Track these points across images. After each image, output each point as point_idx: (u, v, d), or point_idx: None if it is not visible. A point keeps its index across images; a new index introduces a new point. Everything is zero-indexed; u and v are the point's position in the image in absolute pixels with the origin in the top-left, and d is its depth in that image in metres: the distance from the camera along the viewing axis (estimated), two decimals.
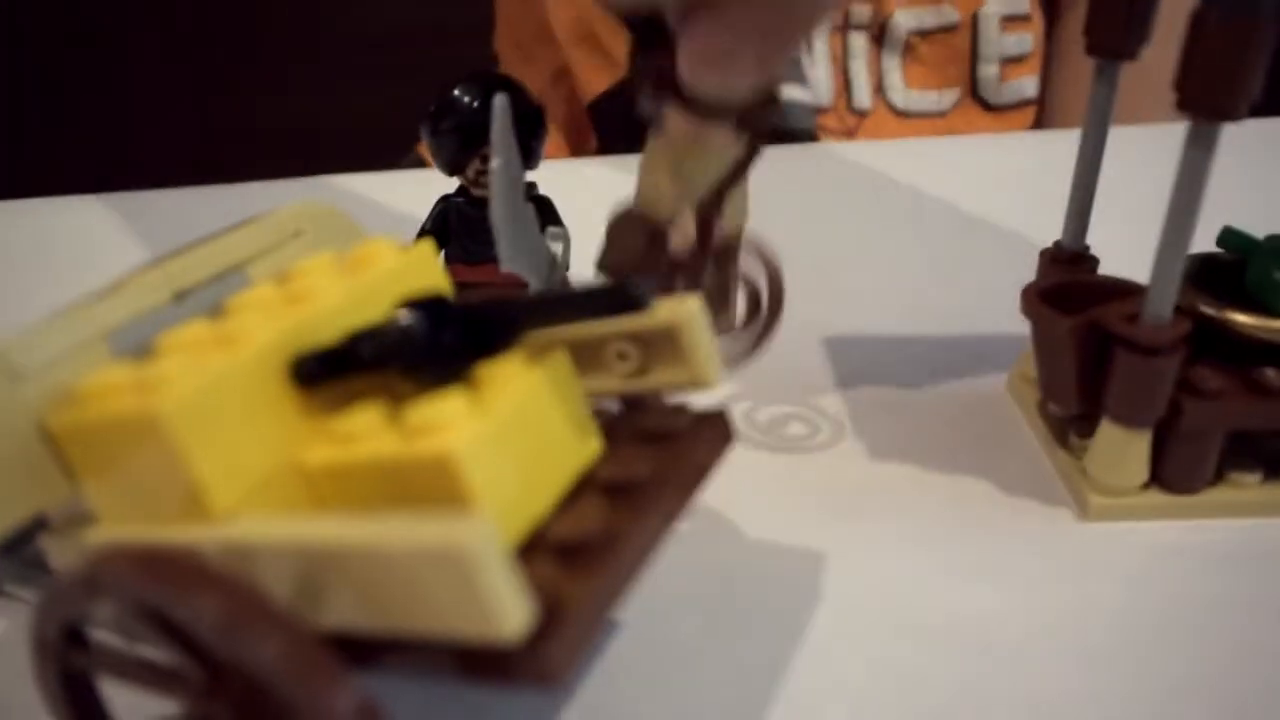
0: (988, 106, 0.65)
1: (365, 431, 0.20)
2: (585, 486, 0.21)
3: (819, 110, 0.63)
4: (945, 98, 0.64)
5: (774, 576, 0.28)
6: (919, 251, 0.46)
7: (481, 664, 0.17)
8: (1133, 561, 0.27)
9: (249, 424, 0.19)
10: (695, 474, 0.21)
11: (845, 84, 0.62)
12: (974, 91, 0.65)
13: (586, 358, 0.23)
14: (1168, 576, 0.27)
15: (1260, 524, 0.29)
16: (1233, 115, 0.24)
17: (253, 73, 0.72)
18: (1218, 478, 0.29)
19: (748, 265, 0.32)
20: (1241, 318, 0.28)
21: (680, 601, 0.27)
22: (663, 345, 0.22)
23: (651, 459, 0.21)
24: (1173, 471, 0.29)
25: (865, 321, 0.39)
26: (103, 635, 0.23)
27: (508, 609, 0.16)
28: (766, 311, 0.32)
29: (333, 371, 0.20)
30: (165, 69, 0.76)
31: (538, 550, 0.19)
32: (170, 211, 0.52)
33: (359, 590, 0.17)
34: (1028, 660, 0.24)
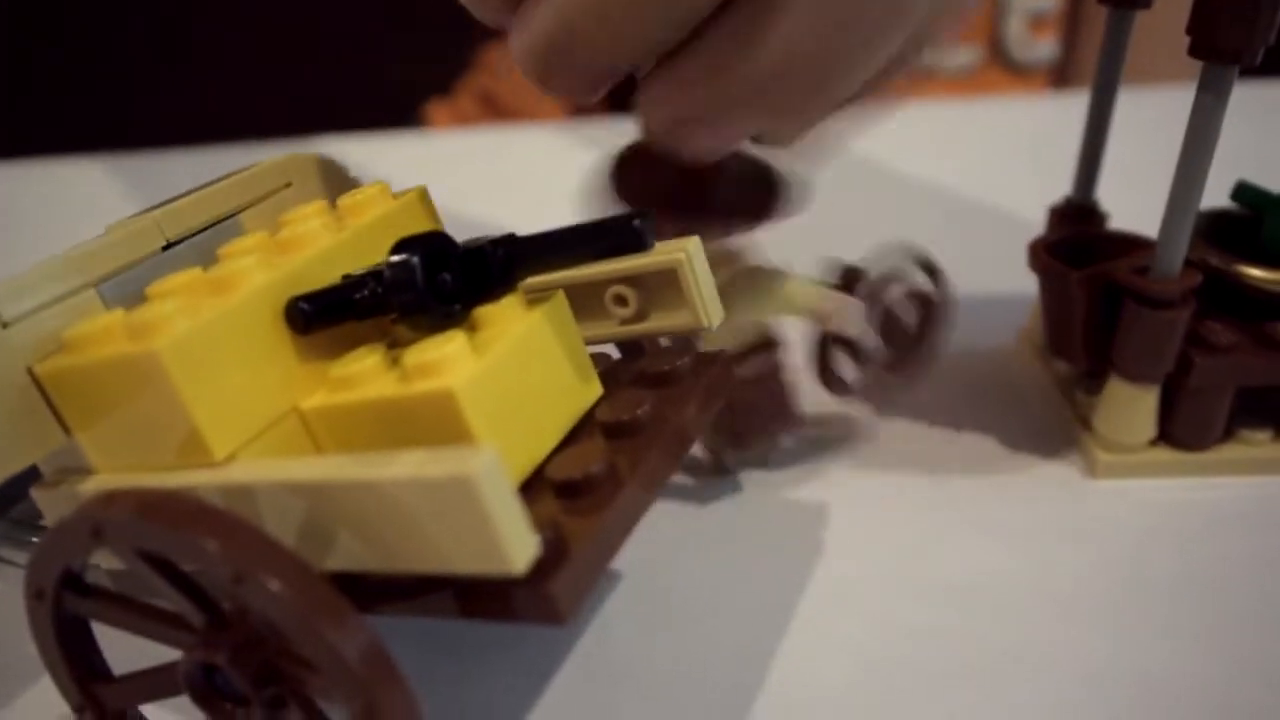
0: (1011, 65, 0.64)
1: (364, 375, 0.19)
2: (586, 427, 0.21)
3: None
4: (967, 54, 0.63)
5: (778, 530, 0.28)
6: (931, 211, 0.46)
7: (486, 602, 0.17)
8: (1141, 519, 0.27)
9: (246, 368, 0.19)
10: (696, 413, 0.21)
11: None
12: (997, 48, 0.63)
13: (585, 304, 0.23)
14: (1176, 534, 0.27)
15: (1270, 482, 0.28)
16: (1245, 59, 0.23)
17: (255, 35, 0.72)
18: (1227, 435, 0.29)
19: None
20: (1255, 272, 0.28)
21: (682, 554, 0.27)
22: (661, 288, 0.22)
23: (652, 400, 0.21)
24: (1182, 428, 0.28)
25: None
26: (100, 582, 0.23)
27: (514, 541, 0.16)
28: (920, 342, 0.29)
29: (329, 316, 0.20)
30: (166, 32, 0.75)
31: (539, 489, 0.19)
32: (176, 173, 0.52)
33: (363, 529, 0.17)
34: (1033, 617, 0.24)
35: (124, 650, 0.21)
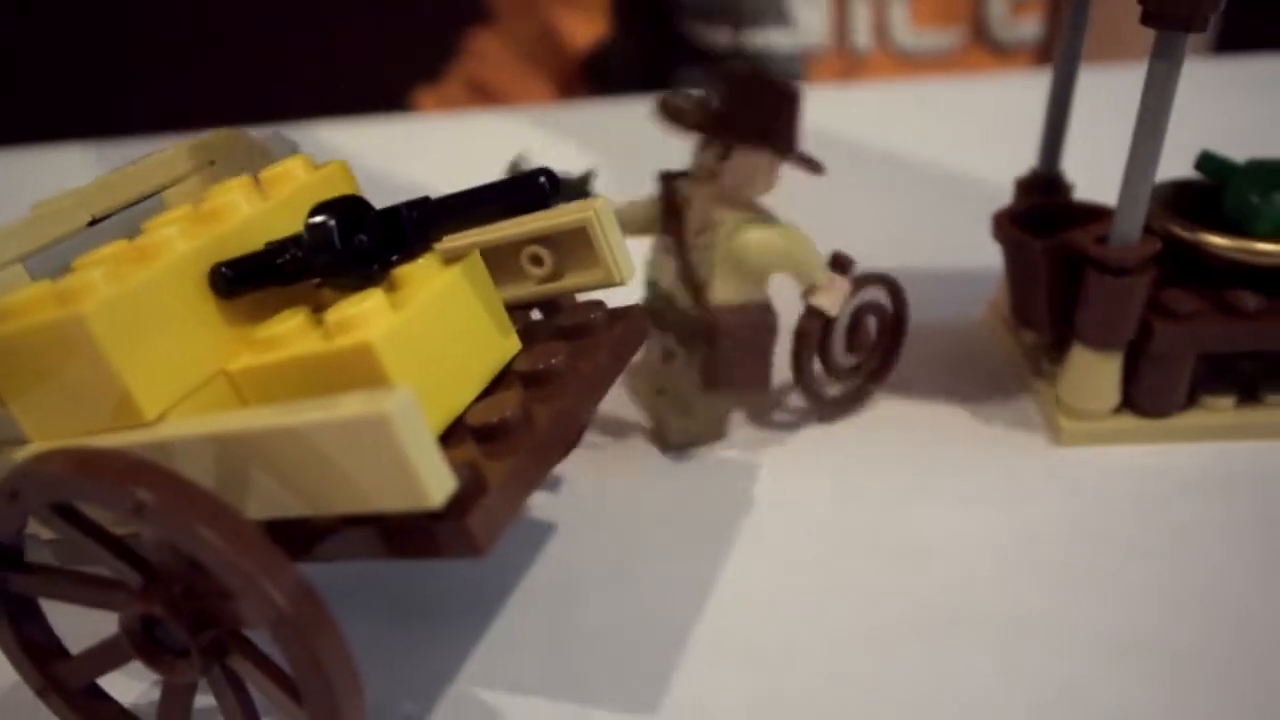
0: (994, 45, 0.64)
1: (287, 335, 0.20)
2: (504, 379, 0.22)
3: (809, 54, 0.62)
4: (951, 36, 0.63)
5: (744, 494, 0.28)
6: (905, 187, 0.46)
7: (408, 539, 0.18)
8: (1103, 484, 0.28)
9: (172, 331, 0.20)
10: (609, 362, 0.22)
11: (842, 23, 0.60)
12: (980, 29, 0.64)
13: (503, 266, 0.24)
14: (1137, 499, 0.27)
15: (1233, 447, 0.29)
16: (1195, 25, 0.24)
17: (242, 22, 0.72)
18: (1191, 402, 0.29)
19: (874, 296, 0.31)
20: (1216, 239, 0.28)
21: (646, 519, 0.28)
22: (573, 246, 0.23)
23: (566, 351, 0.22)
24: (1144, 395, 0.29)
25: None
26: (40, 556, 0.23)
27: (431, 476, 0.17)
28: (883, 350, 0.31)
29: (251, 280, 0.21)
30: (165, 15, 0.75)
31: (460, 435, 0.20)
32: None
33: (290, 476, 0.18)
34: (993, 578, 0.25)
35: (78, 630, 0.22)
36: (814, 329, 0.29)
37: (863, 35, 0.62)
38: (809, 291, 0.29)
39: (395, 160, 0.51)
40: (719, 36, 0.62)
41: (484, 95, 0.68)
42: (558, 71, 0.68)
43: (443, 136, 0.56)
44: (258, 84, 0.71)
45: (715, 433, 0.31)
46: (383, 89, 0.70)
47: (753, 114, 0.26)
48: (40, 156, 0.57)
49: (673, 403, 0.30)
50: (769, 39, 0.61)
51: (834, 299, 0.29)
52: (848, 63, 0.63)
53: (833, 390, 0.31)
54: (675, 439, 0.30)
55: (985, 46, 0.65)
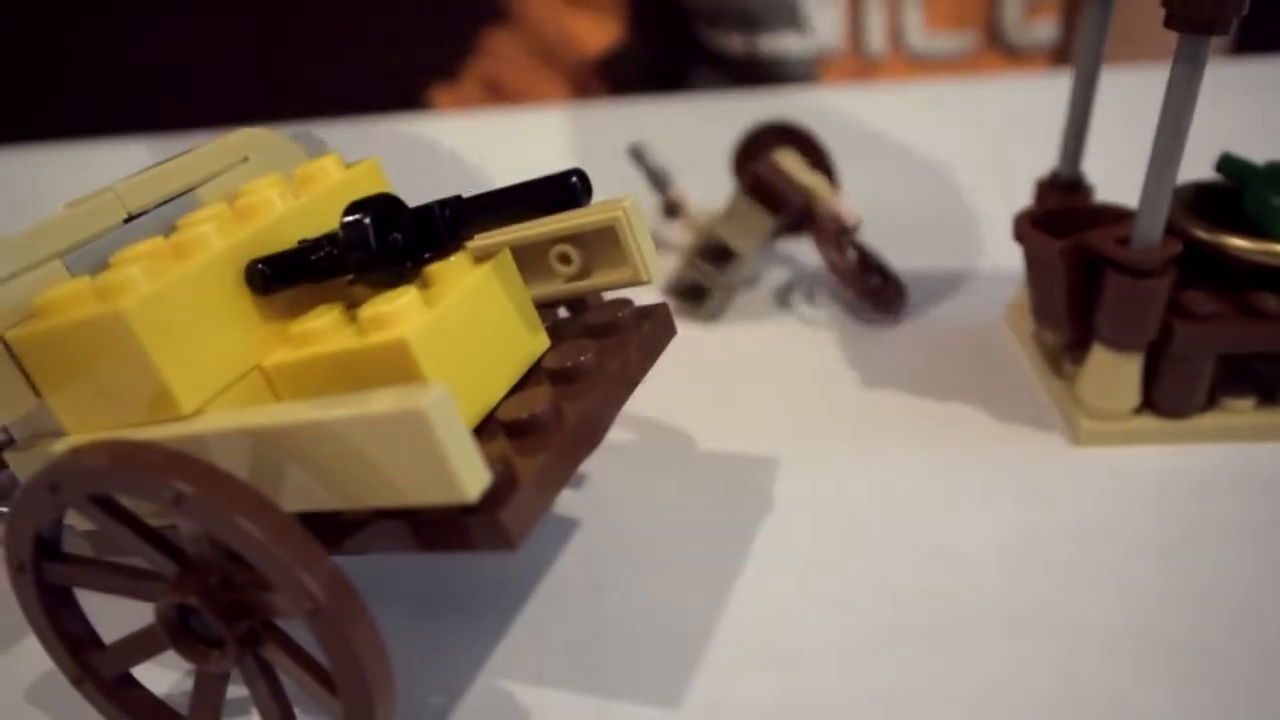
0: (1009, 49, 0.64)
1: (322, 331, 0.21)
2: (533, 375, 0.22)
3: (823, 58, 0.62)
4: (965, 39, 0.63)
5: (765, 493, 0.29)
6: (921, 188, 0.47)
7: (441, 533, 0.19)
8: (1123, 485, 0.28)
9: (209, 327, 0.20)
10: (637, 360, 0.22)
11: (856, 27, 0.61)
12: (994, 33, 0.63)
13: (532, 264, 0.24)
14: (1156, 499, 0.27)
15: (1253, 449, 0.29)
16: (1218, 28, 0.24)
17: (261, 18, 0.73)
18: (1210, 403, 0.29)
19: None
20: (1238, 241, 0.28)
21: (671, 514, 0.28)
22: (602, 245, 0.23)
23: (596, 349, 0.22)
24: (1164, 396, 0.29)
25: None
26: (76, 547, 0.24)
27: (467, 470, 0.17)
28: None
29: (287, 276, 0.21)
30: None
31: (492, 431, 0.20)
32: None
33: (325, 470, 0.18)
34: (1012, 578, 0.25)
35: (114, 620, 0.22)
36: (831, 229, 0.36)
37: (877, 39, 0.62)
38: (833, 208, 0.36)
39: (411, 158, 0.51)
40: (732, 42, 0.62)
41: (500, 94, 0.69)
42: (573, 73, 0.68)
43: (460, 135, 0.56)
44: (272, 82, 0.72)
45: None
46: (399, 87, 0.70)
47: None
48: (75, 153, 0.58)
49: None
50: (783, 44, 0.61)
51: (848, 211, 0.36)
52: (861, 66, 0.63)
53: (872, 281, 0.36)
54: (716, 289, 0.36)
55: (1000, 50, 0.65)
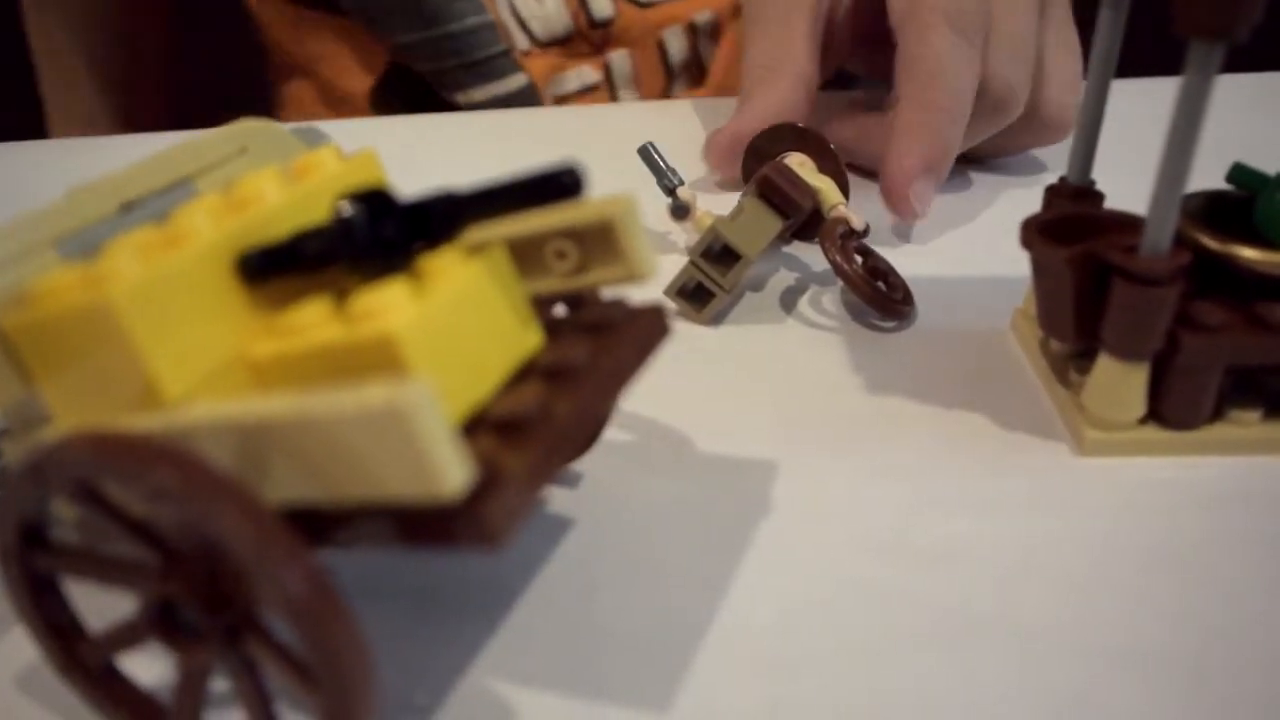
0: None
1: (310, 322, 0.20)
2: (526, 373, 0.22)
3: (562, 40, 0.61)
4: None
5: (763, 496, 0.28)
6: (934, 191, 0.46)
7: (424, 529, 0.18)
8: (1126, 495, 0.28)
9: (198, 316, 0.20)
10: (629, 359, 0.22)
11: (581, 3, 0.60)
12: None
13: (528, 258, 0.24)
14: (1160, 510, 0.27)
15: (1259, 462, 0.29)
16: (1233, 35, 0.23)
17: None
18: (1217, 415, 0.29)
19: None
20: (1247, 252, 0.28)
21: (663, 519, 0.28)
22: (599, 241, 0.23)
23: (588, 347, 0.22)
24: (1171, 407, 0.29)
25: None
26: (64, 536, 0.23)
27: (447, 466, 0.17)
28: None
29: (278, 266, 0.21)
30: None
31: (479, 428, 0.20)
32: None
33: (305, 463, 0.18)
34: (1009, 586, 0.25)
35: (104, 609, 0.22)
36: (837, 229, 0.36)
37: (604, 4, 0.61)
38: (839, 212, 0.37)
39: (414, 153, 0.51)
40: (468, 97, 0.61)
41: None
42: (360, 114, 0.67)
43: (466, 132, 0.56)
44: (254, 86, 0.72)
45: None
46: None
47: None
48: (81, 145, 0.58)
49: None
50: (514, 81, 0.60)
51: (853, 216, 0.37)
52: (600, 34, 0.61)
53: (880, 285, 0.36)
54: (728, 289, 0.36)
55: None
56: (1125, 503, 0.27)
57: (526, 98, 0.61)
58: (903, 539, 0.27)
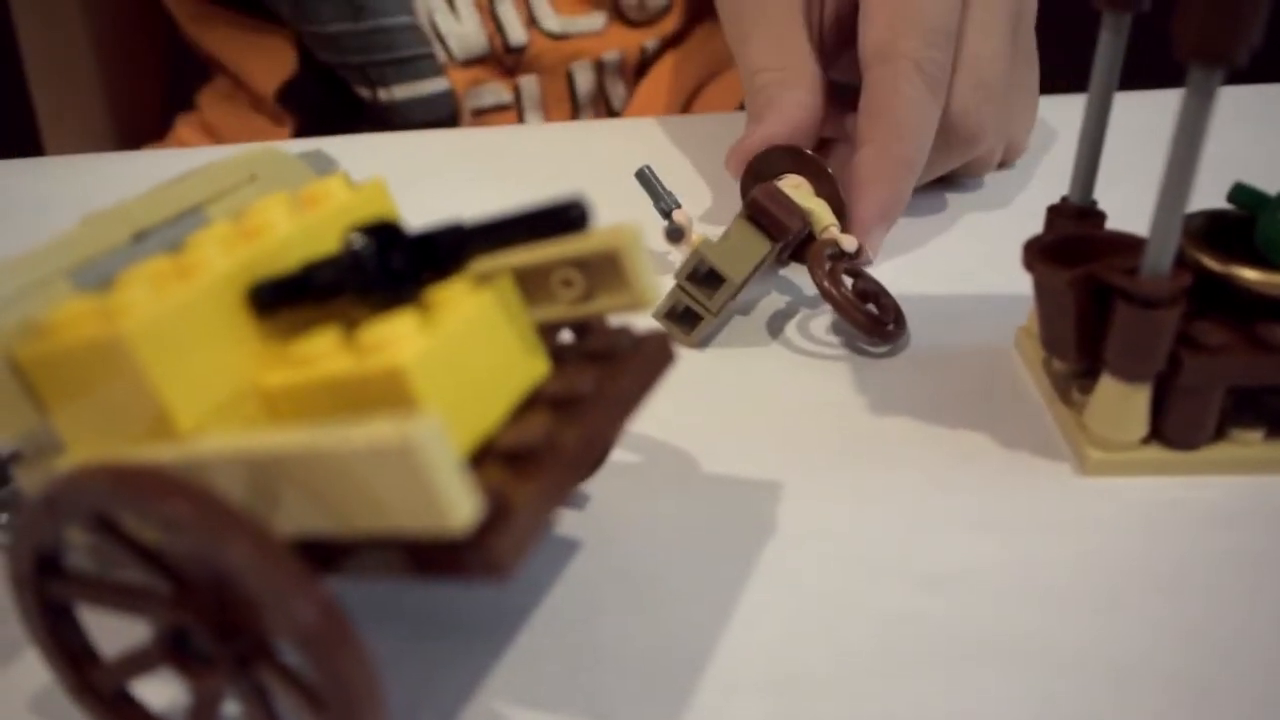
0: (630, 22, 0.64)
1: (320, 354, 0.21)
2: (533, 401, 0.22)
3: (478, 60, 0.62)
4: (595, 19, 0.63)
5: (767, 517, 0.28)
6: (933, 208, 0.46)
7: (434, 560, 0.19)
8: (1128, 516, 0.28)
9: (210, 348, 0.20)
10: (635, 387, 0.22)
11: (497, 28, 0.61)
12: (617, 11, 0.64)
13: (534, 287, 0.24)
14: (1162, 531, 0.27)
15: (1262, 481, 0.29)
16: (1232, 60, 0.23)
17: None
18: (1219, 435, 0.29)
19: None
20: (1248, 273, 0.28)
21: (664, 540, 0.28)
22: (604, 270, 0.23)
23: (594, 376, 0.22)
24: (1173, 427, 0.29)
25: (875, 277, 0.39)
26: (79, 564, 0.24)
27: (456, 500, 0.17)
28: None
29: (289, 297, 0.21)
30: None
31: (487, 459, 0.20)
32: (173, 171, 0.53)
33: (315, 495, 0.18)
34: (1011, 608, 0.25)
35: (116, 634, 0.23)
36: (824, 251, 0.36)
37: (518, 32, 0.63)
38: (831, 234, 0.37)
39: (423, 174, 0.51)
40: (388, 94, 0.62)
41: (220, 140, 0.68)
42: (260, 111, 0.67)
43: (476, 151, 0.56)
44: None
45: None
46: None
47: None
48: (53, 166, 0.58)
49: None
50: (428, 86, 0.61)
51: (845, 239, 0.37)
52: (513, 59, 0.63)
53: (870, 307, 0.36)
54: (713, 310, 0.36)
55: (623, 23, 0.65)
56: (1128, 522, 0.28)
57: (445, 104, 0.62)
58: (905, 560, 0.27)
